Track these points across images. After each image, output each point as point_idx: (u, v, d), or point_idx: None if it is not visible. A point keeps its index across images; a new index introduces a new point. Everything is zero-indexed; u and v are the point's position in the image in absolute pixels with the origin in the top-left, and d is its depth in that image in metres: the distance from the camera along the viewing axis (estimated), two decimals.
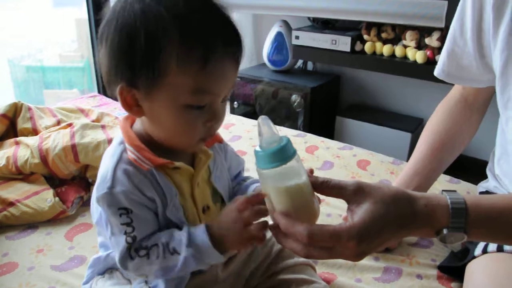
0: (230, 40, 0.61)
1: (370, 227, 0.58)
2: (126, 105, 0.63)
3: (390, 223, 0.59)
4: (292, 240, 0.60)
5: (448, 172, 1.13)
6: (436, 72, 1.03)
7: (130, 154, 0.65)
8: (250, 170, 1.35)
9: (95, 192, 0.65)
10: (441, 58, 1.01)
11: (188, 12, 0.58)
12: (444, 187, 1.26)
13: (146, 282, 0.71)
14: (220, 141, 0.78)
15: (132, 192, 0.63)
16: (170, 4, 0.57)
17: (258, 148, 0.59)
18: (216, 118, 0.64)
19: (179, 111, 0.61)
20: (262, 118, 0.60)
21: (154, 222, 0.66)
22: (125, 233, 0.63)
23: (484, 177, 1.06)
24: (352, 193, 0.61)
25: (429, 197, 0.62)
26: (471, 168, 1.45)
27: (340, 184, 0.62)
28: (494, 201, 0.64)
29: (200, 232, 0.64)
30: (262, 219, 0.65)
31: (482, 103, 1.04)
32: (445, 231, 0.60)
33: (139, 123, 0.69)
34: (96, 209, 0.70)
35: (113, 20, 0.60)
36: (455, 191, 0.63)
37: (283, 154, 0.58)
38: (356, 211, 0.60)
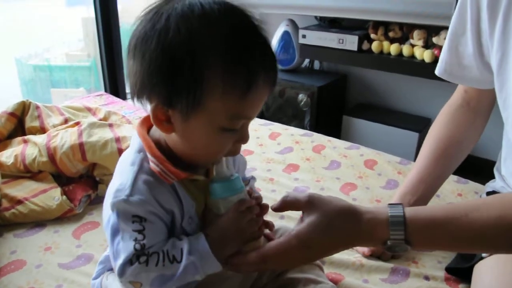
0: (270, 70, 0.62)
1: (312, 236, 0.65)
2: (157, 121, 0.62)
3: (333, 234, 0.66)
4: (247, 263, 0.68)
5: (458, 172, 1.12)
6: (437, 71, 1.01)
7: (153, 166, 0.64)
8: (258, 169, 1.36)
9: (111, 198, 0.64)
10: (442, 57, 0.99)
11: (234, 43, 0.58)
12: (452, 188, 1.25)
13: None
14: None
15: (150, 202, 0.63)
16: (217, 32, 0.58)
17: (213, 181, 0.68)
18: (245, 139, 0.66)
19: (213, 133, 0.62)
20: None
21: (164, 233, 0.66)
22: (135, 239, 0.62)
23: (494, 177, 1.05)
24: (304, 205, 0.68)
25: (373, 211, 0.68)
26: (483, 168, 1.44)
27: (295, 198, 0.70)
28: (433, 212, 0.68)
29: (200, 240, 0.64)
30: None
31: (486, 107, 1.01)
32: (388, 242, 0.65)
33: (158, 131, 0.67)
34: (106, 214, 0.68)
35: (153, 38, 0.58)
36: (400, 204, 0.67)
37: (233, 186, 0.68)
38: (304, 220, 0.67)
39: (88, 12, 2.81)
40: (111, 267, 0.77)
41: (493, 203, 0.67)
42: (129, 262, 0.62)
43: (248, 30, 0.60)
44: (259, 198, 0.72)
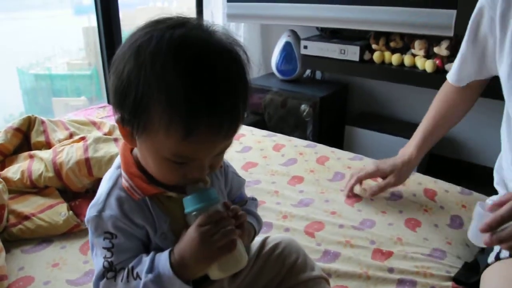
0: (219, 121, 0.58)
1: None
2: (123, 132, 0.65)
3: None
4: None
5: (463, 182, 1.15)
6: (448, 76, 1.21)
7: (124, 182, 0.67)
8: (262, 181, 1.36)
9: (87, 214, 0.67)
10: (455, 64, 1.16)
11: (187, 93, 0.56)
12: (457, 199, 1.26)
13: None
14: (220, 166, 0.75)
15: (120, 219, 0.65)
16: (174, 79, 0.56)
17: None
18: (200, 173, 0.63)
19: (161, 160, 0.62)
20: None
21: (136, 249, 0.67)
22: (105, 257, 0.65)
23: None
24: None
25: None
26: (487, 177, 1.45)
27: None
28: None
29: (163, 258, 0.64)
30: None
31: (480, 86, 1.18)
32: None
33: None
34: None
35: (121, 63, 0.60)
36: None
37: (205, 197, 0.64)
38: None
39: (89, 21, 2.83)
40: None
41: None
42: (100, 276, 0.65)
43: (210, 81, 0.57)
44: (235, 209, 0.68)
